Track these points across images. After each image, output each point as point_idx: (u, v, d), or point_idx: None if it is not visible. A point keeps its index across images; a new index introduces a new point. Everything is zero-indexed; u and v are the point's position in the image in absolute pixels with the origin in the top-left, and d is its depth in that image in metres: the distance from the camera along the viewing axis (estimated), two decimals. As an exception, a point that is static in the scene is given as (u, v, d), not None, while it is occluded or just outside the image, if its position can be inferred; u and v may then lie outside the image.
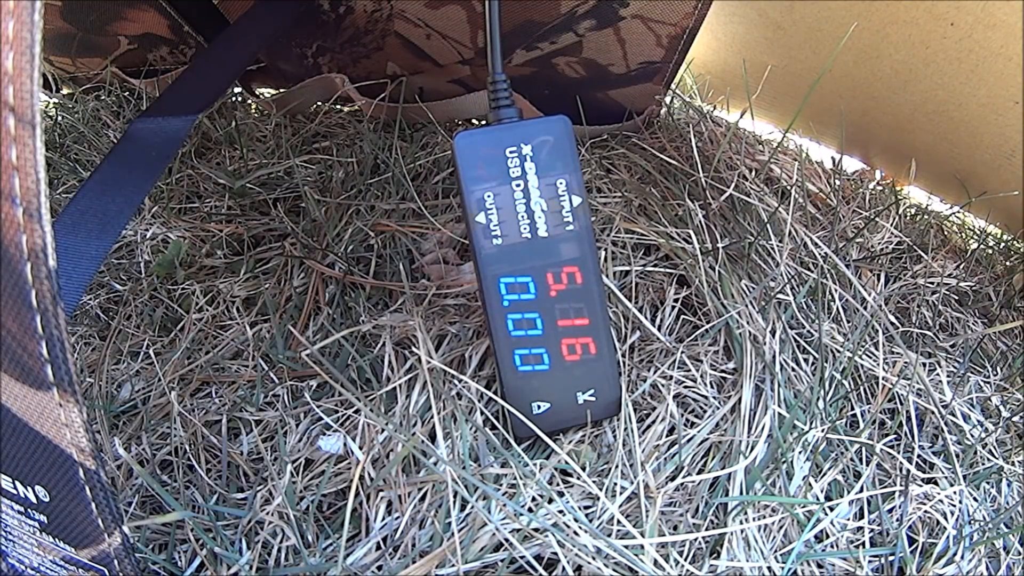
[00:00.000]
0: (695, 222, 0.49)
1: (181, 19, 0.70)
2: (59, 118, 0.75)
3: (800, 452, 0.39)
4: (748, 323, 0.43)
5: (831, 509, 0.38)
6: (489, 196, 0.35)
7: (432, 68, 0.66)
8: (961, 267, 0.61)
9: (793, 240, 0.52)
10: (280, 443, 0.40)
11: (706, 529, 0.35)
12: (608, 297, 0.44)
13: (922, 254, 0.57)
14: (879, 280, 0.55)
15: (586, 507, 0.35)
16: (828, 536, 0.37)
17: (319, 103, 0.74)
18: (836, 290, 0.49)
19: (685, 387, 0.41)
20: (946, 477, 0.41)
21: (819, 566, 0.36)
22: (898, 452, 0.41)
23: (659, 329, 0.44)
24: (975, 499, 0.41)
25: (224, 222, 0.55)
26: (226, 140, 0.64)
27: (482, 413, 0.39)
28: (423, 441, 0.37)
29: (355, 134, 0.65)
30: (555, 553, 0.33)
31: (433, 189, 0.57)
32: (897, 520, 0.38)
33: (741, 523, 0.35)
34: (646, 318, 0.44)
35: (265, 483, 0.38)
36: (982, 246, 0.67)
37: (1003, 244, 0.68)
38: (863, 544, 0.37)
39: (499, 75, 0.37)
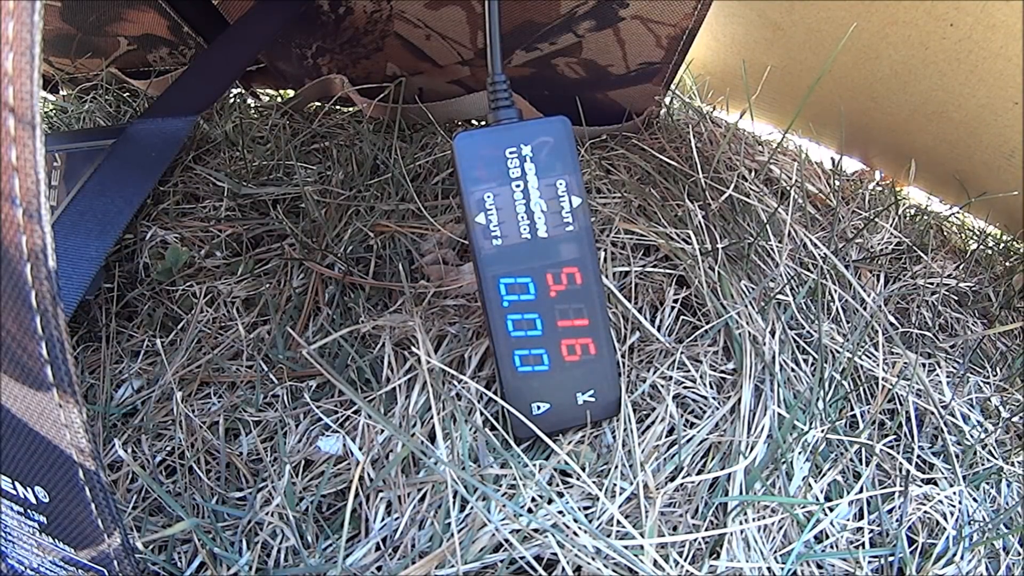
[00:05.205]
0: (694, 223, 0.49)
1: (181, 20, 0.70)
2: (56, 120, 0.75)
3: (800, 452, 0.39)
4: (748, 324, 0.43)
5: (831, 509, 0.38)
6: (489, 197, 0.35)
7: (432, 69, 0.66)
8: (961, 268, 0.61)
9: (792, 241, 0.52)
10: (280, 444, 0.40)
11: (706, 529, 0.35)
12: (608, 298, 0.44)
13: (922, 255, 0.57)
14: (879, 281, 0.55)
15: (586, 508, 0.35)
16: (828, 536, 0.37)
17: (319, 103, 0.74)
18: (836, 291, 0.49)
19: (685, 387, 0.41)
20: (946, 477, 0.41)
21: (819, 567, 0.36)
22: (898, 452, 0.41)
23: (659, 330, 0.44)
24: (975, 499, 0.41)
25: (223, 222, 0.55)
26: (225, 141, 0.64)
27: (482, 414, 0.39)
28: (423, 442, 0.37)
29: (355, 135, 0.65)
30: (555, 554, 0.33)
31: (433, 190, 0.57)
32: (897, 521, 0.38)
33: (741, 523, 0.35)
34: (646, 319, 0.44)
35: (265, 484, 0.38)
36: (982, 247, 0.67)
37: (1003, 244, 0.68)
38: (863, 545, 0.37)
39: (499, 76, 0.37)
